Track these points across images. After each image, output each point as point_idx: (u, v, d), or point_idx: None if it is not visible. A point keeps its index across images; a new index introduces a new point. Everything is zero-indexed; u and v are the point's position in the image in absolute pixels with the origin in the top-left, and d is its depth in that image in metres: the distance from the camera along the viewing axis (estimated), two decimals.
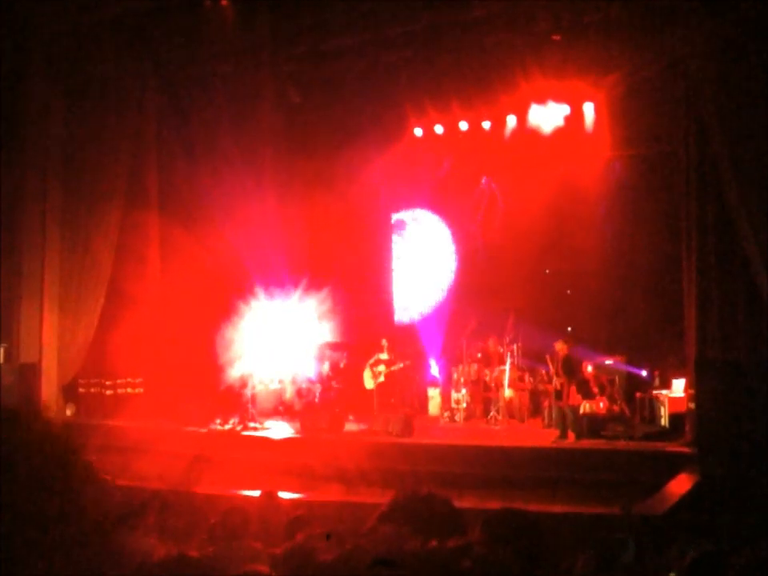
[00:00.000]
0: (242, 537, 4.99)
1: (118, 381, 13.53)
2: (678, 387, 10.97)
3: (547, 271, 13.46)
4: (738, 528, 4.43)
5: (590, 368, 11.30)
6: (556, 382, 10.95)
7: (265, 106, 13.61)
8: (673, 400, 10.87)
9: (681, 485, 8.60)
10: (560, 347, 11.22)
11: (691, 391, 9.94)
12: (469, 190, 13.99)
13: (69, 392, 13.33)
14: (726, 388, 9.26)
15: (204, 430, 11.92)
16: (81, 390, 13.43)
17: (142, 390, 13.63)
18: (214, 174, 13.56)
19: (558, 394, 10.91)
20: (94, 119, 13.41)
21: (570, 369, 11.00)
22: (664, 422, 10.87)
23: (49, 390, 12.98)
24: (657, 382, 11.70)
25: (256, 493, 6.95)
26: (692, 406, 9.79)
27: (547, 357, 11.30)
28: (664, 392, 11.21)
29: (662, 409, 10.98)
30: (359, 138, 13.56)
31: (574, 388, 10.85)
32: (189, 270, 13.27)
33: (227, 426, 12.05)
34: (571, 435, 10.53)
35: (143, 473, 8.70)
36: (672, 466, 9.17)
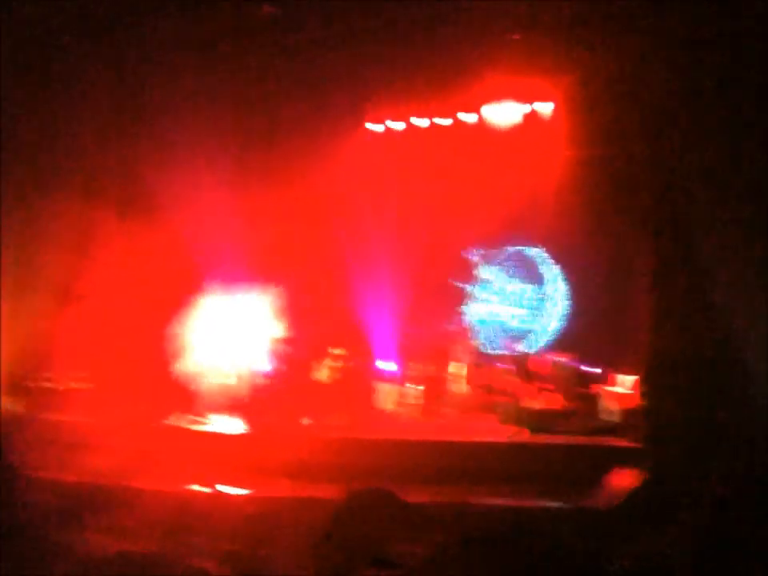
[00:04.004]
0: (190, 533, 4.91)
1: (66, 375, 13.27)
2: (629, 384, 11.13)
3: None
4: (686, 524, 4.51)
5: (539, 363, 11.40)
6: (513, 380, 11.04)
7: (217, 98, 13.43)
8: (623, 396, 11.02)
9: (630, 480, 8.73)
10: (516, 345, 11.31)
11: (642, 387, 10.12)
12: (423, 186, 13.98)
13: (15, 387, 13.02)
14: (676, 384, 9.45)
15: (153, 425, 11.74)
16: (28, 384, 13.13)
17: (90, 385, 13.38)
18: (166, 167, 13.34)
19: (511, 391, 10.99)
20: (43, 112, 13.10)
21: (522, 365, 11.11)
22: (615, 417, 11.01)
23: None
24: (608, 378, 11.86)
25: (205, 489, 6.87)
26: (642, 402, 9.96)
27: (503, 354, 11.40)
28: (613, 388, 11.37)
29: (611, 404, 11.13)
30: (313, 132, 13.48)
31: (526, 384, 10.95)
32: (140, 265, 13.04)
33: (176, 421, 11.89)
34: (525, 431, 10.61)
35: (90, 468, 8.54)
36: (622, 461, 9.31)
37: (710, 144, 9.42)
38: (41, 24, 12.12)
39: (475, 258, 14.26)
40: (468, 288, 14.27)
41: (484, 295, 14.24)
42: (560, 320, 13.51)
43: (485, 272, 14.25)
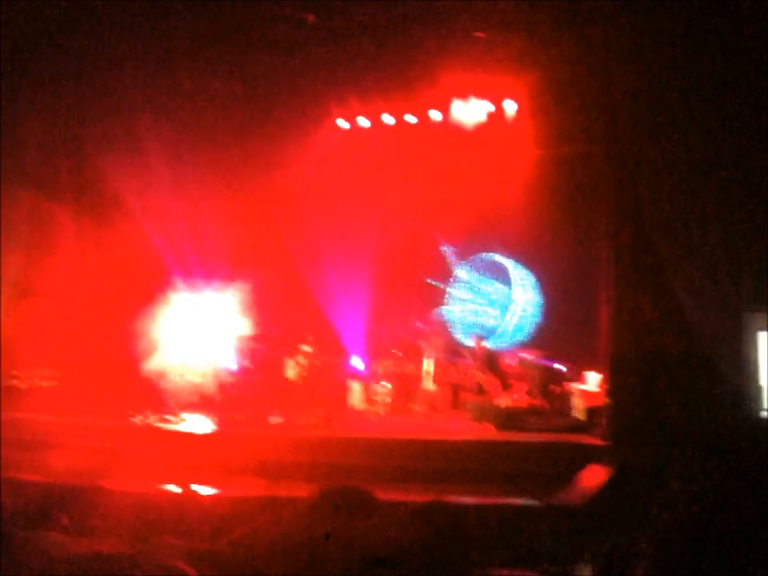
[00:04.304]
0: (161, 533, 4.90)
1: (32, 373, 13.11)
2: (595, 381, 11.28)
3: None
4: (652, 521, 4.59)
5: (508, 361, 11.48)
6: (478, 377, 11.13)
7: (185, 97, 13.34)
8: (589, 394, 11.17)
9: (596, 477, 8.84)
10: (477, 342, 11.41)
11: (607, 385, 10.25)
12: (393, 185, 14.01)
13: None
14: (640, 382, 9.59)
15: (121, 424, 11.64)
16: None
17: (56, 383, 13.24)
18: (132, 163, 13.22)
19: (480, 389, 11.07)
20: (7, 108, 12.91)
21: (492, 363, 11.20)
22: (581, 415, 11.15)
23: None
24: (574, 376, 12.00)
25: (175, 488, 6.84)
26: (608, 399, 10.09)
27: (466, 351, 11.46)
28: (581, 386, 11.51)
29: (579, 402, 11.26)
30: (282, 129, 13.45)
31: (495, 382, 11.04)
32: (106, 261, 12.94)
33: (145, 420, 11.80)
34: (492, 428, 10.69)
35: (58, 468, 8.46)
36: (588, 458, 9.42)
37: (678, 144, 9.57)
38: (31, 22, 11.98)
39: (446, 257, 14.33)
40: (438, 286, 14.34)
41: (454, 293, 14.32)
42: (529, 318, 13.63)
43: (455, 270, 14.33)
